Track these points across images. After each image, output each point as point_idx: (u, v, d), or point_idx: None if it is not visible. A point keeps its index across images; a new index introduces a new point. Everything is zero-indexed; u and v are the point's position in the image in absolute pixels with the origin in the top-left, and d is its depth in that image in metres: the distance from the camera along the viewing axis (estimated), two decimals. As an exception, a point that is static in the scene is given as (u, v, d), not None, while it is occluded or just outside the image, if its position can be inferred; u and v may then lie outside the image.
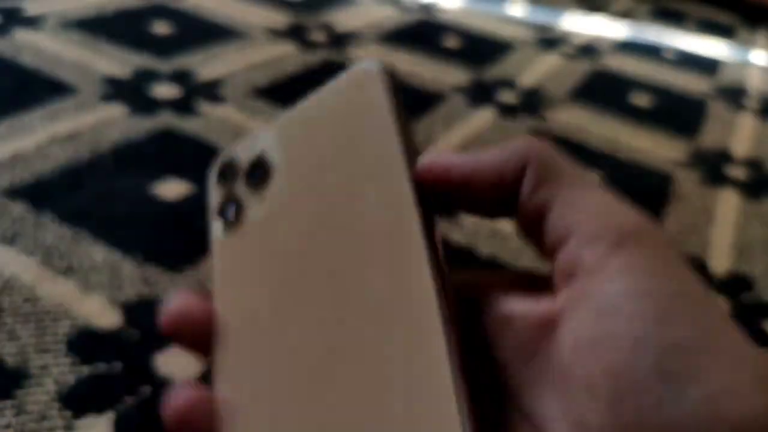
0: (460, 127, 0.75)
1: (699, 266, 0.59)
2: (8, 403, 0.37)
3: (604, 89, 0.94)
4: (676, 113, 0.91)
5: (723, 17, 1.47)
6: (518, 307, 0.21)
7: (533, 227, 0.21)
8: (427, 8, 1.14)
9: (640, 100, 0.92)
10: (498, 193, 0.21)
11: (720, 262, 0.60)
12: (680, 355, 0.17)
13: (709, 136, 0.85)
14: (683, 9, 1.48)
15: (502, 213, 0.22)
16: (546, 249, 0.21)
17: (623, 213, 0.20)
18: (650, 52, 1.14)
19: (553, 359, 0.19)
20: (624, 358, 0.17)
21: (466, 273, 0.23)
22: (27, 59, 0.73)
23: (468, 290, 0.22)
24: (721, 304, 0.18)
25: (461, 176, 0.21)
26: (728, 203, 0.70)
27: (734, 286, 0.57)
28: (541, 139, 0.21)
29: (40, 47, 0.76)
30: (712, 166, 0.77)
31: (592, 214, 0.20)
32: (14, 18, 0.82)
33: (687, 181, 0.73)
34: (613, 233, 0.19)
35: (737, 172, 0.77)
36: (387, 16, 1.07)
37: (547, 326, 0.19)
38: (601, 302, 0.18)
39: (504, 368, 0.21)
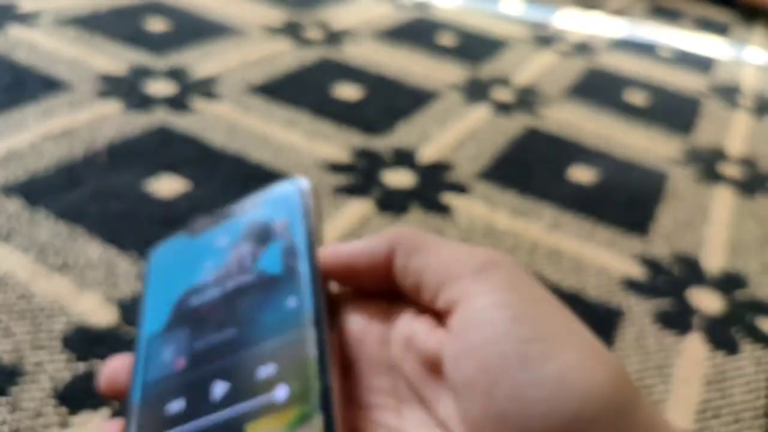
0: (456, 124, 0.76)
1: (693, 264, 0.59)
2: (3, 399, 0.36)
3: (599, 87, 0.94)
4: (671, 111, 0.91)
5: (718, 15, 1.47)
6: (422, 337, 0.25)
7: (415, 288, 0.25)
8: (422, 5, 1.14)
9: (635, 97, 0.92)
10: (374, 274, 0.27)
11: (714, 260, 0.60)
12: (535, 344, 0.21)
13: (704, 134, 0.85)
14: (678, 7, 1.48)
15: (383, 288, 0.27)
16: (428, 302, 0.25)
17: (477, 254, 0.24)
18: (645, 49, 1.14)
19: (446, 371, 0.23)
20: (491, 353, 0.21)
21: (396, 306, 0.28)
22: (21, 56, 0.72)
23: (391, 314, 0.27)
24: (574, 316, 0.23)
25: (345, 264, 0.27)
26: (723, 201, 0.71)
27: (728, 283, 0.57)
28: (406, 228, 0.27)
29: (35, 44, 0.76)
30: (707, 164, 0.78)
31: (454, 264, 0.24)
32: (9, 14, 0.82)
33: (682, 179, 0.73)
34: (471, 270, 0.24)
35: (732, 170, 0.77)
36: (382, 13, 1.07)
37: (441, 350, 0.24)
38: (471, 317, 0.22)
39: (413, 380, 0.25)
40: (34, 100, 0.65)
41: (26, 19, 0.82)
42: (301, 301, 0.26)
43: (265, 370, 0.25)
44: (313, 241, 0.28)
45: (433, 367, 0.24)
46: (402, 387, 0.25)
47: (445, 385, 0.23)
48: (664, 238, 0.62)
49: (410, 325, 0.26)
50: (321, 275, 0.28)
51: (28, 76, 0.69)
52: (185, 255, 0.31)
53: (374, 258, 0.27)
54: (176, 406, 0.25)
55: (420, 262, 0.25)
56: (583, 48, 1.09)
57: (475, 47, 1.00)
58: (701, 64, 1.12)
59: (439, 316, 0.25)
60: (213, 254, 0.30)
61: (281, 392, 0.24)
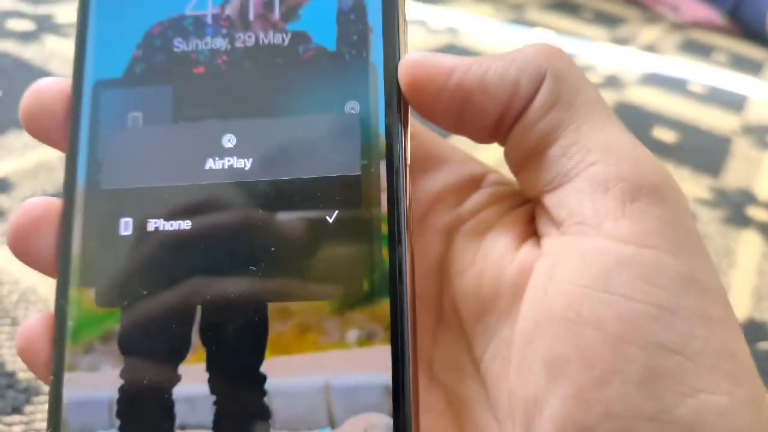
0: (483, 155, 0.75)
1: (718, 311, 0.58)
2: (17, 418, 0.37)
3: (628, 122, 0.93)
4: (701, 150, 0.90)
5: (752, 52, 1.45)
6: (495, 246, 0.17)
7: (528, 156, 0.17)
8: (454, 31, 1.14)
9: (665, 134, 0.91)
10: (504, 113, 0.17)
11: (740, 308, 0.59)
12: (675, 360, 0.14)
13: (734, 175, 0.84)
14: (712, 42, 1.47)
15: (494, 137, 0.18)
16: (539, 183, 0.17)
17: (641, 161, 0.16)
18: (676, 85, 1.13)
19: (518, 320, 0.16)
20: (605, 346, 0.14)
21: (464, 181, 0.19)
22: (56, 67, 0.73)
23: (449, 205, 0.19)
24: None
25: (461, 87, 0.17)
26: (751, 246, 0.69)
27: (752, 332, 0.56)
28: (556, 47, 0.17)
29: (70, 55, 0.77)
30: (736, 207, 0.76)
31: (604, 156, 0.16)
32: (45, 25, 0.83)
33: (710, 221, 0.72)
34: (626, 185, 0.16)
35: (761, 214, 0.76)
36: (414, 37, 1.07)
37: (520, 278, 0.17)
38: (591, 268, 0.15)
39: (455, 311, 0.18)
40: (65, 113, 0.66)
41: (62, 29, 0.83)
42: (368, 113, 0.18)
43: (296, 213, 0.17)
44: (397, 7, 0.18)
45: (492, 306, 0.17)
46: (447, 300, 0.18)
47: (503, 342, 0.16)
48: (689, 283, 0.61)
49: (486, 223, 0.18)
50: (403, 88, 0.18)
51: (62, 87, 0.70)
52: None
53: (516, 91, 0.17)
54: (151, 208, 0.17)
55: (554, 120, 0.16)
56: (612, 82, 1.08)
57: (504, 76, 1.00)
58: (733, 102, 1.11)
59: (540, 211, 0.17)
60: None
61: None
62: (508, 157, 0.19)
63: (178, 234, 0.17)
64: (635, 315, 0.14)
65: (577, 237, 0.15)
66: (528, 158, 0.17)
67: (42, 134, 0.19)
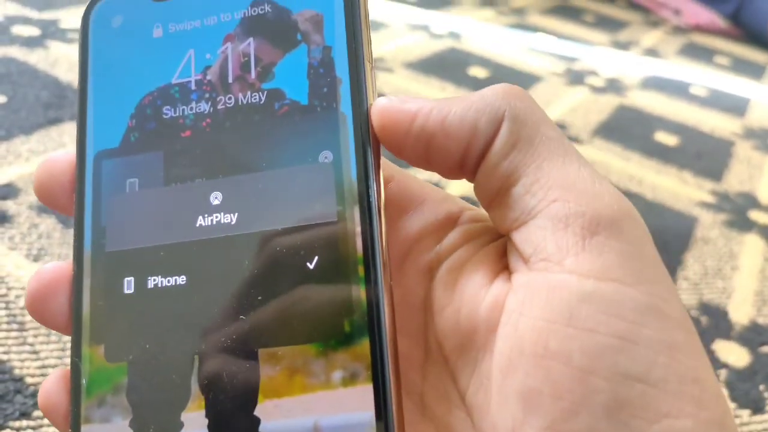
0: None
1: (721, 315, 0.58)
2: (24, 423, 0.37)
3: (629, 125, 0.93)
4: (703, 153, 0.90)
5: (754, 55, 1.46)
6: (470, 283, 0.18)
7: (496, 194, 0.18)
8: (456, 35, 1.14)
9: (666, 138, 0.92)
10: (466, 154, 0.18)
11: (743, 311, 0.59)
12: (638, 388, 0.15)
13: (736, 178, 0.84)
14: (714, 45, 1.47)
15: (462, 174, 0.19)
16: (507, 220, 0.18)
17: (599, 195, 0.17)
18: (678, 88, 1.14)
19: (494, 354, 0.17)
20: (573, 379, 0.15)
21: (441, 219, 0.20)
22: (62, 72, 0.74)
23: (426, 240, 0.20)
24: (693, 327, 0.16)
25: (424, 130, 0.18)
26: (754, 249, 0.70)
27: (756, 336, 0.56)
28: (515, 87, 0.19)
29: (76, 60, 0.77)
30: (739, 211, 0.77)
31: (564, 194, 0.17)
32: (50, 30, 0.84)
33: (712, 225, 0.72)
34: (585, 221, 0.16)
35: (764, 218, 0.76)
36: (416, 42, 1.07)
37: (493, 313, 0.17)
38: (556, 304, 0.16)
39: (440, 347, 0.19)
40: (73, 117, 0.66)
41: (67, 35, 0.83)
42: (340, 160, 0.18)
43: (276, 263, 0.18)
44: (362, 59, 0.19)
45: (470, 341, 0.18)
46: (432, 336, 0.19)
47: (484, 374, 0.17)
48: (692, 286, 0.61)
49: (462, 260, 0.19)
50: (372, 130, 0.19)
51: (68, 92, 0.70)
52: (147, 30, 0.21)
53: (475, 132, 0.18)
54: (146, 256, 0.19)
55: (516, 161, 0.17)
56: (614, 85, 1.08)
57: (507, 80, 1.00)
58: (735, 105, 1.11)
59: (510, 247, 0.18)
60: (192, 40, 0.20)
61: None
62: (478, 195, 0.19)
63: (175, 290, 0.19)
64: (599, 347, 0.15)
65: (543, 273, 0.16)
66: (495, 196, 0.18)
67: (53, 203, 0.21)
